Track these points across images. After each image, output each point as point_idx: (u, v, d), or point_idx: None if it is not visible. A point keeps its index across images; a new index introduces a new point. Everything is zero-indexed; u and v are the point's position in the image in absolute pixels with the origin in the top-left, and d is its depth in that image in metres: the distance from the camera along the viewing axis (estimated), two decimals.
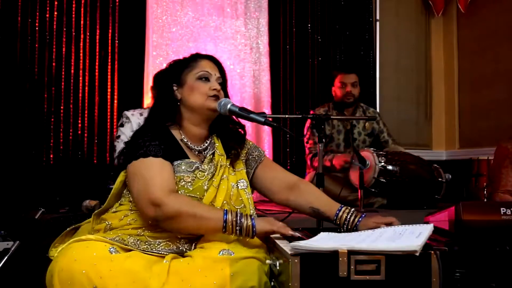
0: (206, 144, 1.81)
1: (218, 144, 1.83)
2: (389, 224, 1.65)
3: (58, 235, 1.74)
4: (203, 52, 1.90)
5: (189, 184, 1.67)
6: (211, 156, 1.78)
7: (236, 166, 1.84)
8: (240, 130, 1.90)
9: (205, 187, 1.70)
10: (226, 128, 1.86)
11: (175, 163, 1.68)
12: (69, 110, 3.79)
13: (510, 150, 2.72)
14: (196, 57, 1.83)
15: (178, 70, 1.81)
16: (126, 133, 3.19)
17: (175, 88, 1.79)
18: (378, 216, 1.75)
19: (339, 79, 3.60)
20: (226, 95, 1.82)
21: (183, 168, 1.69)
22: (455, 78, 4.98)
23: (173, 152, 1.70)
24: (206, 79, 1.77)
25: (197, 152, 1.78)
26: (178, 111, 1.78)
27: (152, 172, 1.58)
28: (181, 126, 1.78)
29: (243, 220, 1.54)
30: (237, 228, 1.53)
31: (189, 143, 1.77)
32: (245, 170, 1.86)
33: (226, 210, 1.56)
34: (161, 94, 1.81)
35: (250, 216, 1.57)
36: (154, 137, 1.66)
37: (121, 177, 1.72)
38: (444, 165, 3.64)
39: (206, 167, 1.74)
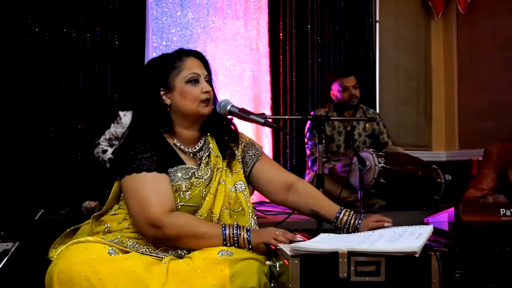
0: (200, 145, 1.78)
1: (212, 145, 1.79)
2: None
3: (58, 236, 1.73)
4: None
5: (186, 193, 1.66)
6: (207, 159, 1.75)
7: (233, 167, 1.81)
8: (231, 126, 1.85)
9: (202, 195, 1.68)
10: (218, 126, 1.82)
11: (170, 170, 1.66)
12: (69, 111, 3.79)
13: (495, 154, 2.83)
14: (180, 55, 1.74)
15: (163, 72, 1.71)
16: (111, 131, 3.24)
17: (162, 92, 1.71)
18: (378, 215, 1.75)
19: (340, 83, 3.58)
20: (213, 90, 1.76)
21: (179, 175, 1.67)
22: (454, 79, 4.98)
23: (167, 159, 1.67)
24: (196, 81, 1.71)
25: (192, 155, 1.76)
26: (168, 116, 1.72)
27: (148, 190, 1.56)
28: (172, 131, 1.74)
29: (239, 232, 1.55)
30: (235, 240, 1.54)
31: (182, 147, 1.74)
32: (242, 170, 1.83)
33: (225, 225, 1.56)
34: (147, 100, 1.71)
35: (247, 229, 1.56)
36: (145, 149, 1.62)
37: (117, 182, 1.70)
38: (444, 166, 3.65)
39: (202, 172, 1.71)
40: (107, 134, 3.29)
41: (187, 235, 1.55)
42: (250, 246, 1.54)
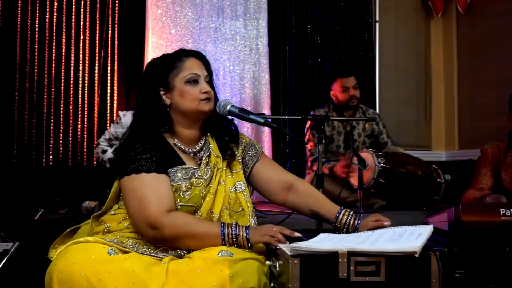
0: (201, 145, 1.77)
1: (212, 145, 1.79)
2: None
3: (58, 236, 1.73)
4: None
5: (186, 193, 1.66)
6: (207, 159, 1.75)
7: (233, 167, 1.81)
8: (231, 126, 1.85)
9: (202, 195, 1.68)
10: (219, 126, 1.82)
11: (170, 170, 1.66)
12: (69, 111, 3.79)
13: (490, 153, 2.88)
14: (180, 56, 1.74)
15: (163, 72, 1.72)
16: (111, 131, 3.25)
17: (162, 92, 1.72)
18: (377, 215, 1.75)
19: (340, 84, 3.58)
20: (214, 90, 1.77)
21: (179, 175, 1.66)
22: (454, 79, 4.98)
23: (167, 159, 1.67)
24: (195, 81, 1.71)
25: (192, 155, 1.75)
26: (168, 116, 1.73)
27: (146, 190, 1.56)
28: (173, 130, 1.74)
29: (238, 231, 1.54)
30: (234, 239, 1.54)
31: (182, 147, 1.74)
32: (242, 171, 1.83)
33: (223, 224, 1.56)
34: (147, 100, 1.72)
35: (246, 227, 1.56)
36: (145, 149, 1.62)
37: (117, 181, 1.70)
38: (444, 166, 3.65)
39: (202, 172, 1.71)
40: (106, 134, 3.29)
41: (186, 236, 1.55)
42: (249, 245, 1.54)
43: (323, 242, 1.42)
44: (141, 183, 1.58)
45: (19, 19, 3.66)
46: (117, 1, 3.96)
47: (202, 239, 1.54)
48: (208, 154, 1.77)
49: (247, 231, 1.55)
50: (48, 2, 3.75)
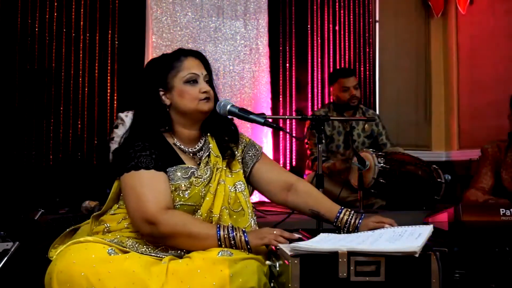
0: (200, 145, 1.77)
1: (212, 145, 1.79)
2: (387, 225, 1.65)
3: (58, 236, 1.73)
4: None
5: (185, 192, 1.65)
6: (206, 159, 1.75)
7: (233, 167, 1.81)
8: (231, 126, 1.84)
9: (202, 194, 1.68)
10: (219, 126, 1.81)
11: (170, 169, 1.66)
12: (69, 111, 3.79)
13: (490, 152, 2.91)
14: (179, 56, 1.74)
15: (162, 73, 1.72)
16: (119, 134, 3.21)
17: (161, 93, 1.72)
18: (378, 216, 1.75)
19: (341, 83, 3.59)
20: (213, 90, 1.77)
21: (178, 175, 1.66)
22: (454, 79, 4.98)
23: (167, 159, 1.67)
24: (194, 81, 1.71)
25: (191, 155, 1.75)
26: (168, 116, 1.72)
27: (145, 187, 1.56)
28: (172, 130, 1.74)
29: (235, 233, 1.53)
30: (231, 242, 1.53)
31: (182, 146, 1.73)
32: (242, 170, 1.83)
33: (219, 226, 1.55)
34: (147, 100, 1.71)
35: (243, 230, 1.55)
36: (145, 147, 1.62)
37: (117, 181, 1.70)
38: (444, 166, 3.66)
39: (202, 172, 1.71)
40: (116, 143, 3.24)
41: (181, 234, 1.54)
42: (248, 247, 1.53)
43: (323, 242, 1.42)
44: (140, 180, 1.58)
45: (19, 19, 3.66)
46: (117, 1, 3.97)
47: (198, 239, 1.54)
48: (207, 153, 1.77)
49: (245, 234, 1.54)
50: (48, 2, 3.75)
